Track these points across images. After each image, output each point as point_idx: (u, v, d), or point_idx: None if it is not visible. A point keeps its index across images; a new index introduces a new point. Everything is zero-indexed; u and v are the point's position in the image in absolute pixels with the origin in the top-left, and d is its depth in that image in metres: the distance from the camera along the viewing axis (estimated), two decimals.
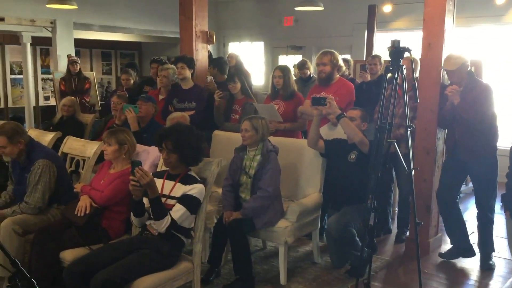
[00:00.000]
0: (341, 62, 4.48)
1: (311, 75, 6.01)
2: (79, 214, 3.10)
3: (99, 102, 7.97)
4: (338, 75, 4.38)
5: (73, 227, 3.10)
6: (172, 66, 5.32)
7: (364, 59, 7.52)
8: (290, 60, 8.98)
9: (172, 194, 2.88)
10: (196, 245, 2.95)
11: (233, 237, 3.47)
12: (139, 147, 3.55)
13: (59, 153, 3.89)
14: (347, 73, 5.81)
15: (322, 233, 4.15)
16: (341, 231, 3.56)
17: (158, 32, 9.53)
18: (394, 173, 4.60)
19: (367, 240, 3.17)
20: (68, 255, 2.96)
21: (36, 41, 8.64)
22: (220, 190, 3.81)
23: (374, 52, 7.32)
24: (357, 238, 3.59)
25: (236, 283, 3.47)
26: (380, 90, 3.24)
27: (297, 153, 3.97)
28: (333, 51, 4.33)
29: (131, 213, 2.92)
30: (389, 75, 3.12)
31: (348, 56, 7.03)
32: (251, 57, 10.47)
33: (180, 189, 2.86)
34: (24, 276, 1.86)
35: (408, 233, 4.44)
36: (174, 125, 3.09)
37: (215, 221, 3.80)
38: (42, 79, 9.88)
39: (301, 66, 6.04)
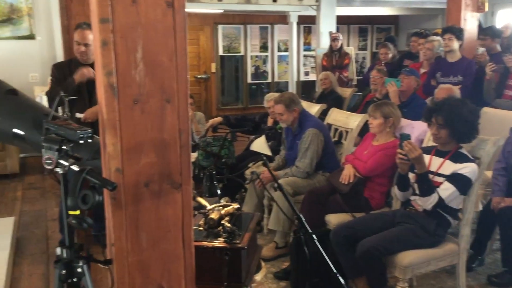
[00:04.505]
0: None
1: None
2: (343, 182, 3.26)
3: (355, 77, 8.16)
4: None
5: (338, 194, 3.29)
6: (438, 38, 5.04)
7: None
8: None
9: (440, 171, 2.76)
10: (464, 228, 2.78)
11: (504, 226, 3.15)
12: (404, 121, 3.50)
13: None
14: None
15: None
16: None
17: (419, 4, 9.13)
18: None
19: None
20: (333, 219, 3.17)
21: (301, 20, 9.31)
22: (488, 173, 3.48)
23: None
24: None
25: (504, 275, 3.15)
26: None
27: None
28: None
29: (395, 187, 2.93)
30: None
31: None
32: None
33: (449, 167, 2.72)
34: (306, 230, 2.07)
35: None
36: (446, 99, 2.93)
37: (480, 205, 3.51)
38: (304, 55, 10.66)
39: None
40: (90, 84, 3.40)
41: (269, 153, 4.30)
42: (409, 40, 7.34)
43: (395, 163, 2.89)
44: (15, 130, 1.87)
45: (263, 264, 2.35)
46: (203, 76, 9.99)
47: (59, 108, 3.08)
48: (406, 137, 2.68)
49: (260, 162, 3.92)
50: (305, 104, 4.58)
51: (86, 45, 3.31)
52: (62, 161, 1.47)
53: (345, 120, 4.06)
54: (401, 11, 9.85)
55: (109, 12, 1.47)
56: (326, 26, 8.02)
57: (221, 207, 2.22)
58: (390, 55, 6.23)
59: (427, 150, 2.89)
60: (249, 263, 2.14)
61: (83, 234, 3.22)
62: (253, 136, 4.75)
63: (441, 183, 2.70)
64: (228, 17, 9.87)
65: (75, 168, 1.46)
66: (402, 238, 2.66)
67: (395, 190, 2.94)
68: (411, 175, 2.80)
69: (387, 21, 11.16)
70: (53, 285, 3.16)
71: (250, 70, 10.38)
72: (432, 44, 4.96)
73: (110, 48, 1.49)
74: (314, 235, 2.05)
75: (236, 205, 2.25)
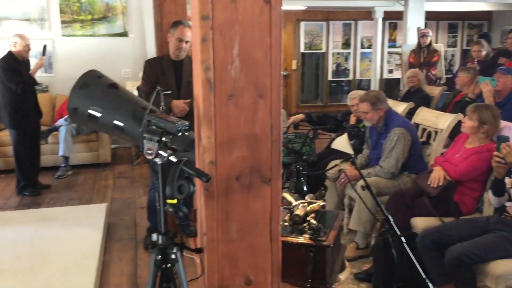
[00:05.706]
0: None
1: None
2: (432, 185, 3.13)
3: (444, 75, 7.78)
4: None
5: (425, 197, 3.16)
6: None
7: None
8: None
9: None
10: None
11: None
12: (502, 123, 3.28)
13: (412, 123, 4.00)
14: None
15: None
16: None
17: None
18: None
19: None
20: (419, 222, 3.05)
21: (387, 16, 9.04)
22: None
23: None
24: None
25: None
26: None
27: None
28: None
29: (490, 191, 2.76)
30: None
31: None
32: None
33: None
34: (394, 232, 2.01)
35: None
36: None
37: None
38: (388, 52, 10.34)
39: None
40: (178, 79, 3.54)
41: (351, 151, 4.21)
42: (504, 37, 6.89)
43: (490, 167, 2.73)
44: (115, 121, 1.99)
45: (347, 263, 2.32)
46: (283, 73, 10.02)
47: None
48: (505, 139, 2.52)
49: (345, 160, 3.88)
50: (391, 103, 4.44)
51: (187, 42, 3.44)
52: (161, 152, 1.54)
53: (435, 120, 3.88)
54: (496, 6, 9.25)
55: (210, 9, 1.51)
56: (414, 22, 7.71)
57: (306, 204, 2.22)
58: (484, 53, 5.87)
59: None
60: (333, 261, 2.12)
61: (171, 223, 3.35)
62: (335, 134, 4.68)
63: None
64: (311, 14, 9.80)
65: (173, 159, 1.52)
66: (495, 246, 2.51)
67: (490, 195, 2.78)
68: (507, 180, 2.63)
69: (480, 17, 10.52)
70: (141, 270, 3.34)
71: (331, 67, 10.25)
72: None
73: (209, 44, 1.53)
74: (403, 238, 1.99)
75: (321, 202, 2.24)
